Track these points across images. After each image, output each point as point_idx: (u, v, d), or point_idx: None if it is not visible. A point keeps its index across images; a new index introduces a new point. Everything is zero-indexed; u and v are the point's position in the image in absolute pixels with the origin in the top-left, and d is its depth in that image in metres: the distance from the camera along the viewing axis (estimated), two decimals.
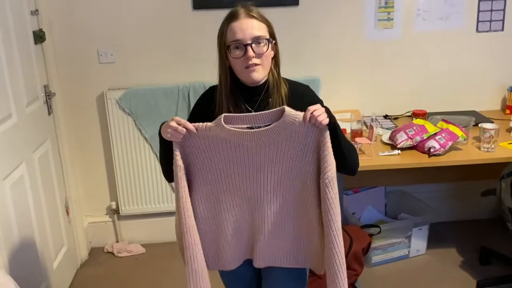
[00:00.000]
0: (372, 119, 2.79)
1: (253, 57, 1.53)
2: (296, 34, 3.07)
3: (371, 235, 2.84)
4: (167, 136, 1.52)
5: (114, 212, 3.26)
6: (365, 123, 2.93)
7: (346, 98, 3.19)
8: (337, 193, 1.53)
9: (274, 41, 1.60)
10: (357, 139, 2.61)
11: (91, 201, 3.27)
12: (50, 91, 2.79)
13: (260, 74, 1.57)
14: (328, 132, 1.49)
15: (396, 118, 3.16)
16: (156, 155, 3.12)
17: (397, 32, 3.12)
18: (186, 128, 1.48)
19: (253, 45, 1.53)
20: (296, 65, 3.07)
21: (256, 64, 1.55)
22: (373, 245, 2.88)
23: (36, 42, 2.66)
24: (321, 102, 1.63)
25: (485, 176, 2.92)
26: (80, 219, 3.17)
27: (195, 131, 1.49)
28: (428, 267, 2.97)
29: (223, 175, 1.56)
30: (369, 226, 2.93)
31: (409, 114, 3.14)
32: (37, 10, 2.69)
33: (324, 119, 1.46)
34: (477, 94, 3.26)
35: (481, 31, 3.16)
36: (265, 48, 1.55)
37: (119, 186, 3.16)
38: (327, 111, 1.50)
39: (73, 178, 3.07)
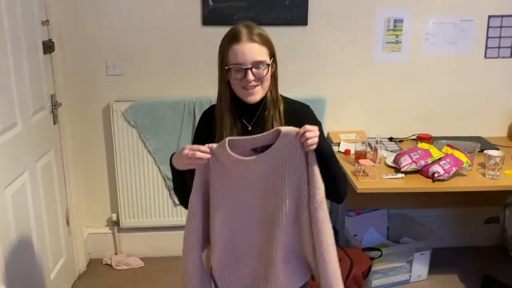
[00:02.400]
0: (377, 141, 2.78)
1: (253, 80, 1.56)
2: (304, 54, 3.08)
3: (372, 259, 2.82)
4: (184, 164, 1.52)
5: (115, 224, 3.24)
6: (369, 145, 2.92)
7: (352, 119, 3.18)
8: (327, 215, 1.53)
9: (273, 60, 1.62)
10: (361, 161, 2.59)
11: (92, 212, 3.26)
12: (57, 101, 2.80)
13: (258, 96, 1.61)
14: (314, 156, 1.49)
15: (401, 141, 3.15)
16: (159, 169, 3.12)
17: (405, 56, 3.13)
18: (202, 151, 1.49)
19: (253, 69, 1.56)
20: (303, 84, 3.08)
21: (255, 87, 1.58)
22: (373, 268, 2.84)
23: (45, 52, 2.67)
24: (319, 124, 1.64)
25: (489, 203, 2.89)
26: (80, 230, 3.16)
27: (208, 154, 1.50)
28: None
29: (234, 203, 1.56)
30: (370, 249, 2.90)
31: (414, 137, 3.13)
32: (48, 20, 2.71)
33: (313, 143, 1.45)
34: (484, 120, 3.25)
35: (490, 57, 3.16)
36: (264, 72, 1.57)
37: (120, 198, 3.15)
38: (322, 137, 1.50)
39: (75, 189, 3.07)
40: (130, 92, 3.07)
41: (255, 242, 1.60)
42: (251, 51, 1.55)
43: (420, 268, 3.03)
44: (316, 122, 1.68)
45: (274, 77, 1.65)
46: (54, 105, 2.78)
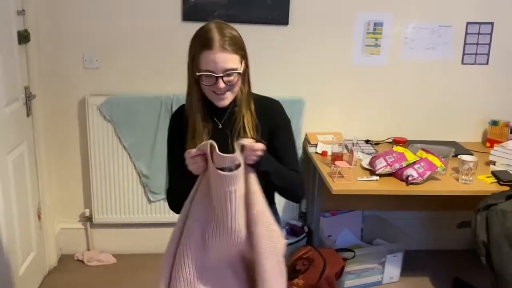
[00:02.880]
0: (354, 143, 2.79)
1: (223, 87, 1.56)
2: (284, 54, 3.08)
3: (345, 259, 2.83)
4: (193, 168, 1.51)
5: (87, 219, 3.19)
6: (346, 147, 2.93)
7: (330, 120, 3.19)
8: (264, 230, 1.50)
9: (244, 62, 1.61)
10: (337, 163, 2.60)
11: (65, 207, 3.21)
12: (31, 93, 2.74)
13: (228, 100, 1.62)
14: (251, 171, 1.49)
15: (377, 143, 3.18)
16: (134, 165, 3.08)
17: (383, 59, 3.15)
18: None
19: (224, 77, 1.55)
20: (281, 84, 3.08)
21: (225, 92, 1.58)
22: (346, 269, 2.86)
23: (20, 42, 2.61)
24: (288, 121, 1.69)
25: (462, 208, 2.92)
26: (52, 224, 3.10)
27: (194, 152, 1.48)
28: None
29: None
30: (344, 250, 2.92)
31: (390, 140, 3.16)
32: (23, 10, 2.65)
33: (251, 157, 1.46)
34: (459, 125, 3.30)
35: (466, 63, 3.21)
36: (235, 79, 1.57)
37: (94, 193, 3.10)
38: (265, 156, 1.50)
39: (47, 183, 3.01)
40: (107, 86, 3.02)
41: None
42: (223, 60, 1.53)
43: (392, 270, 3.06)
44: (286, 119, 1.72)
45: (246, 75, 1.65)
46: (28, 97, 2.72)
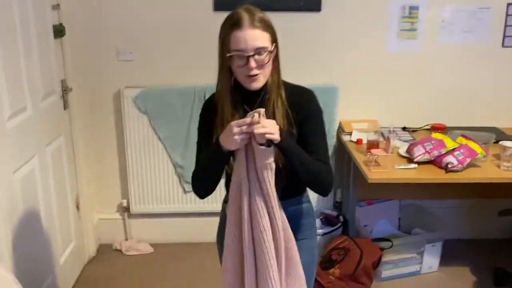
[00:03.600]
0: (390, 130, 2.73)
1: (255, 67, 1.54)
2: (316, 41, 3.04)
3: (382, 249, 2.79)
4: (236, 142, 1.49)
5: (125, 210, 3.25)
6: (382, 134, 2.88)
7: (364, 108, 3.13)
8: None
9: (275, 45, 1.59)
10: (373, 151, 2.55)
11: (102, 198, 3.27)
12: (67, 86, 2.79)
13: (260, 83, 1.58)
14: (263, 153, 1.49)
15: (414, 130, 3.10)
16: (170, 156, 3.11)
17: (420, 44, 3.06)
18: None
19: (255, 56, 1.52)
20: (314, 72, 3.03)
21: (257, 73, 1.55)
22: (384, 259, 2.82)
23: (55, 37, 2.66)
24: (320, 111, 1.65)
25: (503, 195, 2.85)
26: (90, 215, 3.17)
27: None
28: (440, 285, 2.90)
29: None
30: (380, 239, 2.87)
31: (428, 127, 3.08)
32: (58, 4, 2.69)
33: (260, 133, 1.45)
34: (499, 111, 3.18)
35: (507, 46, 3.09)
36: (266, 59, 1.54)
37: (131, 184, 3.15)
38: (281, 134, 1.48)
39: (85, 174, 3.07)
40: (141, 78, 3.05)
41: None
42: (253, 37, 1.51)
43: (431, 260, 2.99)
44: (317, 108, 1.66)
45: (276, 62, 1.62)
46: (65, 90, 2.77)
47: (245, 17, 1.52)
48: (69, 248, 2.82)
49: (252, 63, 1.52)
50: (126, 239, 3.31)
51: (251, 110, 1.59)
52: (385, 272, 2.92)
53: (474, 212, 3.33)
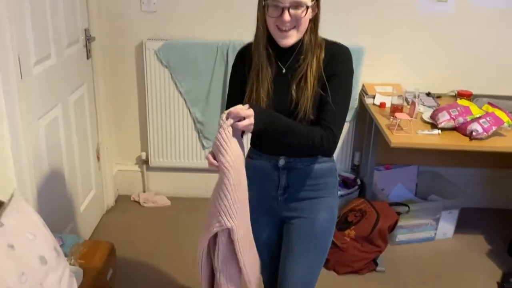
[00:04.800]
0: (415, 95, 2.68)
1: (288, 22, 1.48)
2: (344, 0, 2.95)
3: (398, 214, 2.79)
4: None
5: (144, 162, 3.28)
6: (406, 99, 2.83)
7: (389, 71, 3.08)
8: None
9: (316, 3, 1.52)
10: (397, 114, 2.52)
11: (122, 150, 3.30)
12: (90, 35, 2.77)
13: (292, 39, 1.53)
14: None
15: (439, 96, 3.04)
16: (190, 110, 3.10)
17: (451, 6, 2.97)
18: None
19: (291, 9, 1.46)
20: (340, 31, 2.94)
21: (290, 29, 1.50)
22: (399, 223, 2.82)
23: None
24: (348, 71, 1.58)
25: None
26: (110, 166, 3.20)
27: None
28: (454, 252, 2.91)
29: None
30: (397, 204, 2.87)
31: (454, 94, 3.02)
32: None
33: (240, 123, 1.43)
34: None
35: None
36: (303, 14, 1.47)
37: (150, 137, 3.17)
38: (257, 116, 1.45)
39: (106, 125, 3.09)
40: (164, 30, 3.01)
41: None
42: None
43: (446, 227, 3.00)
44: (348, 69, 1.59)
45: (315, 21, 1.56)
46: (88, 39, 2.75)
47: None
48: (89, 197, 2.87)
49: (286, 16, 1.47)
50: (144, 191, 3.36)
51: (284, 67, 1.58)
52: (400, 236, 2.93)
53: (493, 182, 3.30)
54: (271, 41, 1.57)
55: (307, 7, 1.48)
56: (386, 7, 2.97)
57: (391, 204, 2.85)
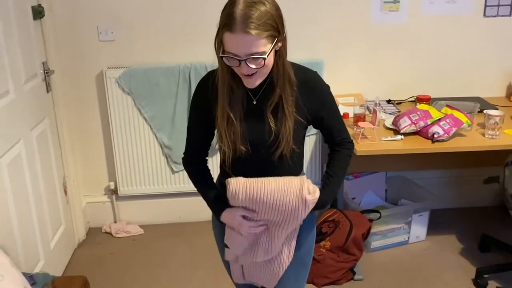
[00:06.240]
0: (376, 103, 2.75)
1: (247, 71, 1.41)
2: (299, 15, 3.01)
3: (371, 220, 2.83)
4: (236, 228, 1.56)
5: (113, 192, 3.23)
6: (368, 108, 2.89)
7: (349, 82, 3.14)
8: None
9: (278, 39, 1.41)
10: (360, 124, 2.57)
11: (90, 181, 3.24)
12: (49, 68, 2.74)
13: (257, 82, 1.46)
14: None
15: (399, 103, 3.12)
16: (156, 136, 3.08)
17: (403, 15, 3.07)
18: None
19: (249, 62, 1.38)
20: (298, 47, 3.02)
21: (253, 74, 1.43)
22: (372, 230, 2.86)
23: (35, 18, 2.60)
24: (328, 90, 1.58)
25: (489, 163, 2.89)
26: (78, 198, 3.14)
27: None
28: (428, 254, 2.96)
29: None
30: (369, 211, 2.91)
31: (413, 99, 3.10)
32: None
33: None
34: (482, 80, 3.22)
35: (489, 16, 3.11)
36: (262, 63, 1.39)
37: (117, 166, 3.13)
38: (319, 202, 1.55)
39: (71, 157, 3.04)
40: (123, 58, 3.01)
41: None
42: (246, 44, 1.35)
43: (418, 229, 3.05)
44: (327, 88, 1.59)
45: (282, 52, 1.46)
46: (47, 73, 2.72)
47: (239, 18, 1.33)
48: (58, 232, 2.80)
49: (244, 69, 1.40)
50: (115, 222, 3.30)
51: (255, 99, 1.52)
52: (374, 243, 2.97)
53: (460, 182, 3.39)
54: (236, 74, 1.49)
55: (264, 57, 1.38)
56: (341, 20, 3.05)
57: (363, 212, 2.88)
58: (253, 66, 1.39)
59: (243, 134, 1.51)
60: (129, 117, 3.04)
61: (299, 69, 1.55)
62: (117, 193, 3.21)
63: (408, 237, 3.05)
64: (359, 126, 2.56)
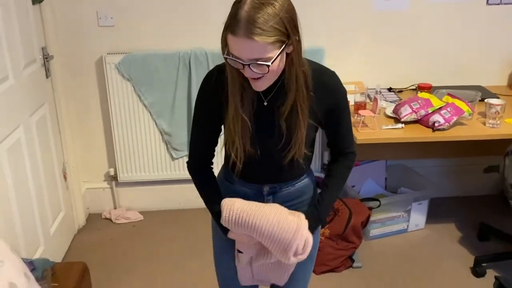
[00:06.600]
0: (377, 91, 2.73)
1: (251, 74, 1.34)
2: (300, 1, 2.97)
3: (370, 209, 2.83)
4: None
5: (112, 178, 3.23)
6: (368, 96, 2.88)
7: (350, 70, 3.11)
8: None
9: (288, 42, 1.33)
10: (361, 112, 2.56)
11: (89, 167, 3.24)
12: (48, 54, 2.72)
13: (264, 85, 1.38)
14: None
15: (400, 91, 3.11)
16: (156, 122, 3.08)
17: (405, 2, 3.04)
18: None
19: (252, 66, 1.30)
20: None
21: (260, 77, 1.34)
22: (372, 218, 2.86)
23: (34, 3, 2.58)
24: (345, 95, 1.50)
25: (489, 152, 2.89)
26: (78, 184, 3.14)
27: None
28: (427, 242, 2.97)
29: None
30: (368, 199, 2.91)
31: (414, 87, 3.09)
32: None
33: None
34: (484, 69, 3.20)
35: (492, 4, 3.08)
36: (266, 69, 1.30)
37: (117, 152, 3.12)
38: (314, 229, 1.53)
39: (71, 143, 3.03)
40: (123, 44, 2.98)
41: None
42: (248, 49, 1.27)
43: (418, 218, 3.05)
44: (344, 93, 1.51)
45: (294, 55, 1.36)
46: (46, 58, 2.70)
47: (243, 21, 1.25)
48: (58, 218, 2.81)
49: (248, 73, 1.33)
50: (115, 208, 3.31)
51: (266, 100, 1.45)
52: (373, 231, 2.97)
53: (460, 170, 3.39)
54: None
55: (268, 63, 1.29)
56: (342, 7, 3.02)
57: (362, 200, 2.89)
58: (257, 71, 1.31)
59: (252, 136, 1.45)
60: (129, 103, 3.03)
61: (316, 70, 1.46)
62: (117, 179, 3.21)
63: (407, 226, 3.05)
64: (359, 114, 2.55)
